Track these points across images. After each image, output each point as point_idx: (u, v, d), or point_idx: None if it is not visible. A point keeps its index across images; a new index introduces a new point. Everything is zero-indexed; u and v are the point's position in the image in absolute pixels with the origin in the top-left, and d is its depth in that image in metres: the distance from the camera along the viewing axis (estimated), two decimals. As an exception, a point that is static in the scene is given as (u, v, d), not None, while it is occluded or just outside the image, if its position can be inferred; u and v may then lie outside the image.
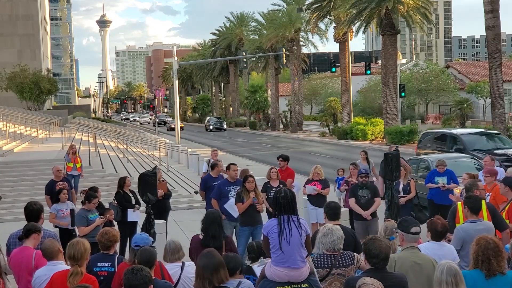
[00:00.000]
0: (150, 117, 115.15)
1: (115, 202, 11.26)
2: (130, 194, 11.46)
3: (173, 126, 68.07)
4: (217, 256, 5.15)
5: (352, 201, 10.66)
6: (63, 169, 15.12)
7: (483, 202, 7.60)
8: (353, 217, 11.08)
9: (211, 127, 69.72)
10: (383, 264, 5.13)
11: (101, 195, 10.75)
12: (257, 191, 10.28)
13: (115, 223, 10.70)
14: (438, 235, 6.32)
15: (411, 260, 5.30)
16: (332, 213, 6.98)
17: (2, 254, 7.06)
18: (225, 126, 70.10)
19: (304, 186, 12.52)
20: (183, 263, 6.29)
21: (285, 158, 13.27)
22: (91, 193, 10.10)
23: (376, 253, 5.09)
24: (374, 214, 10.58)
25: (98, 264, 6.30)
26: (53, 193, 11.93)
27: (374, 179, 14.05)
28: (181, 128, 67.49)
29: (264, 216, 10.57)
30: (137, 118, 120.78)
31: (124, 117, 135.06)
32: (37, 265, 6.34)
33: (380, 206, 10.79)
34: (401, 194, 11.67)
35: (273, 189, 11.57)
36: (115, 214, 10.81)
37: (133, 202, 11.38)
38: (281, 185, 11.34)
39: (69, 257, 5.70)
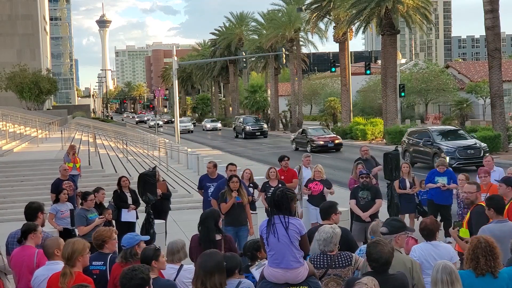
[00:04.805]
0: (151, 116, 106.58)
1: (112, 201, 11.32)
2: (128, 194, 11.45)
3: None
4: (216, 260, 4.95)
5: (352, 202, 10.64)
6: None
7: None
8: (353, 218, 11.03)
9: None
10: (383, 269, 5.10)
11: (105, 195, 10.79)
12: (241, 191, 10.13)
13: (113, 222, 10.71)
14: (423, 235, 6.40)
15: None
16: (322, 212, 7.10)
17: (1, 254, 7.05)
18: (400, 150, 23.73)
19: (305, 186, 12.52)
20: (181, 266, 6.21)
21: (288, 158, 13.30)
22: (86, 191, 10.27)
23: (375, 257, 5.08)
24: (374, 216, 10.32)
25: (93, 263, 6.34)
26: (58, 192, 11.93)
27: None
28: (336, 147, 35.91)
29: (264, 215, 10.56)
30: (160, 122, 77.58)
31: (137, 119, 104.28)
32: (39, 264, 6.37)
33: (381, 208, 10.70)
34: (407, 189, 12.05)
35: (272, 188, 11.62)
36: (112, 213, 10.82)
37: (130, 202, 11.34)
38: (280, 185, 11.36)
39: (62, 257, 5.74)
